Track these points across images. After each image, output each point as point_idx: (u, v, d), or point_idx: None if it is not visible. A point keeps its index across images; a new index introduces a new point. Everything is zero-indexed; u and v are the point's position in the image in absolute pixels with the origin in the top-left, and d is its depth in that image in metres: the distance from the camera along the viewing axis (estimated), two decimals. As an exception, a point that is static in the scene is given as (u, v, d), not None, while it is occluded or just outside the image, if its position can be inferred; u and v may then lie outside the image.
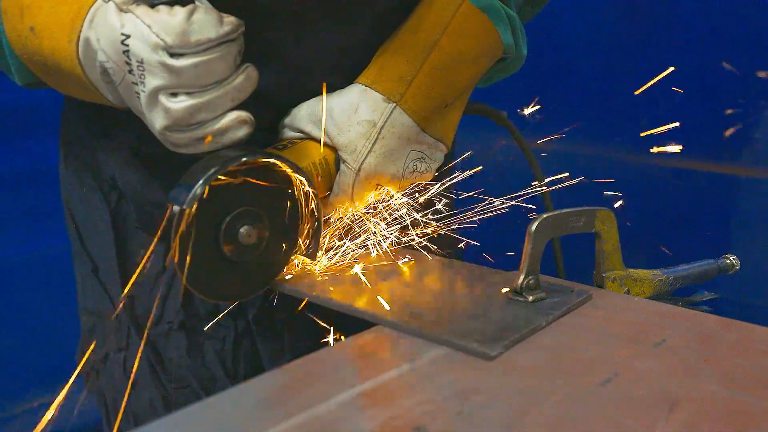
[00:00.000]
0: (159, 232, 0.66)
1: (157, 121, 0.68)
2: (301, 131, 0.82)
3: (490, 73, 0.93)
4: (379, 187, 0.82)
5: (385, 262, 0.84)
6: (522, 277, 0.73)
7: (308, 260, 0.80)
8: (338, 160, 0.81)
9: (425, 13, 0.84)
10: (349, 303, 0.72)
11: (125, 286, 0.88)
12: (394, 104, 0.79)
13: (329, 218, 0.85)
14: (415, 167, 0.82)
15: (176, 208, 0.66)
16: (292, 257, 0.78)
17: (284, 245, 0.76)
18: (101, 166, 0.89)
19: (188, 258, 0.67)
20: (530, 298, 0.72)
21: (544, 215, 0.73)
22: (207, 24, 0.66)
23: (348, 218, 0.85)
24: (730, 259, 1.01)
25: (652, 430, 0.51)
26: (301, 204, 0.76)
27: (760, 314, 0.80)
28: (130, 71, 0.66)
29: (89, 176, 0.90)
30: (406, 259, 0.85)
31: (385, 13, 0.84)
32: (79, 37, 0.68)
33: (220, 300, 0.78)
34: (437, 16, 0.83)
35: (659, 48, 1.67)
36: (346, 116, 0.79)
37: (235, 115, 0.70)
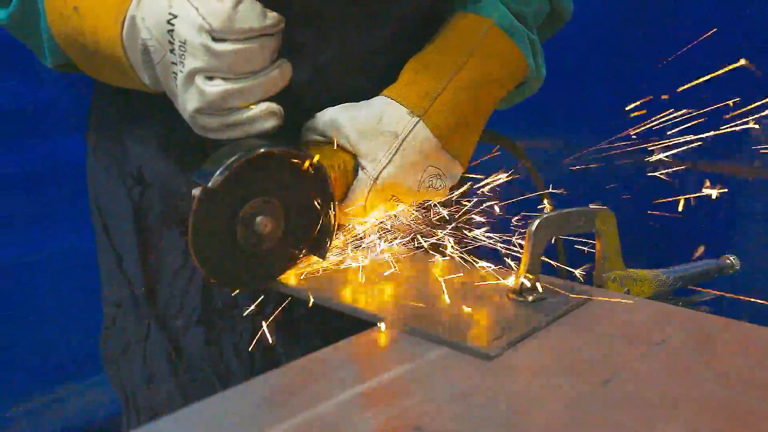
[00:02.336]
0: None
1: (190, 102, 0.71)
2: (324, 135, 0.82)
3: (510, 95, 0.94)
4: (393, 198, 0.82)
5: (386, 262, 0.84)
6: (522, 277, 0.73)
7: (319, 259, 0.80)
8: (357, 167, 0.81)
9: (453, 33, 0.86)
10: (350, 303, 0.72)
11: (147, 279, 0.90)
12: (418, 118, 0.80)
13: (341, 225, 0.85)
14: (431, 182, 0.83)
15: (196, 191, 0.68)
16: (303, 254, 0.79)
17: (297, 240, 0.77)
18: (129, 157, 0.91)
19: (196, 237, 0.69)
20: (530, 298, 0.73)
21: (545, 215, 0.73)
22: (252, 14, 0.69)
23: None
24: (730, 259, 1.01)
25: (652, 430, 0.51)
26: (317, 202, 0.77)
27: (760, 314, 0.79)
28: (172, 51, 0.69)
29: (115, 169, 0.92)
30: (406, 260, 0.85)
31: (407, 17, 0.87)
32: (125, 16, 0.71)
33: (226, 286, 0.79)
34: (466, 38, 0.85)
35: (658, 48, 1.67)
36: (369, 125, 0.80)
37: (265, 105, 0.72)
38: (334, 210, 0.78)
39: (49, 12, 0.78)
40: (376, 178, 0.80)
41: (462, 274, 0.83)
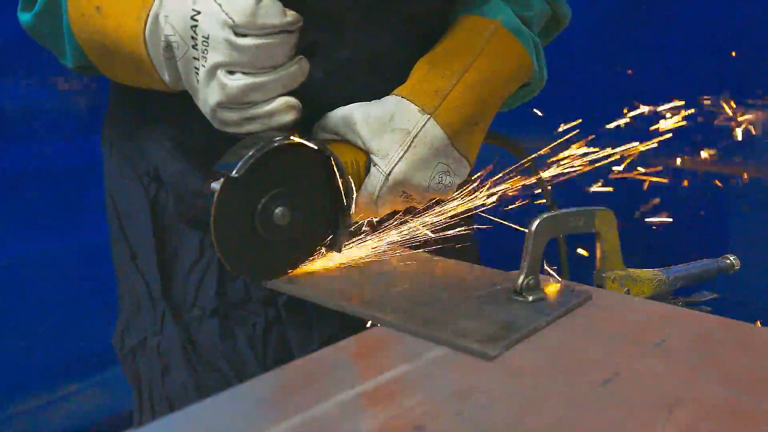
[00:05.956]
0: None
1: (211, 96, 0.73)
2: (336, 133, 0.84)
3: (513, 97, 0.96)
4: (403, 194, 0.83)
5: (387, 262, 0.84)
6: (522, 277, 0.73)
7: (334, 252, 0.82)
8: (368, 164, 0.82)
9: (461, 33, 0.88)
10: (349, 303, 0.72)
11: (162, 274, 0.92)
12: (429, 116, 0.82)
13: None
14: (440, 179, 0.84)
15: (216, 184, 0.70)
16: (319, 247, 0.81)
17: (313, 233, 0.79)
18: (144, 156, 0.92)
19: (218, 225, 0.70)
20: (530, 298, 0.73)
21: (545, 215, 0.73)
22: (273, 11, 0.71)
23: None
24: (730, 259, 1.01)
25: (652, 430, 0.51)
26: (334, 195, 0.79)
27: (760, 314, 0.80)
28: (194, 46, 0.71)
29: (131, 168, 0.94)
30: (407, 259, 0.86)
31: (419, 17, 0.89)
32: (148, 14, 0.73)
33: (245, 276, 0.80)
34: (474, 38, 0.87)
35: (658, 48, 1.67)
36: (381, 123, 0.81)
37: (284, 100, 0.74)
38: (350, 204, 0.79)
39: (71, 12, 0.80)
40: (388, 174, 0.81)
41: (462, 274, 0.83)
